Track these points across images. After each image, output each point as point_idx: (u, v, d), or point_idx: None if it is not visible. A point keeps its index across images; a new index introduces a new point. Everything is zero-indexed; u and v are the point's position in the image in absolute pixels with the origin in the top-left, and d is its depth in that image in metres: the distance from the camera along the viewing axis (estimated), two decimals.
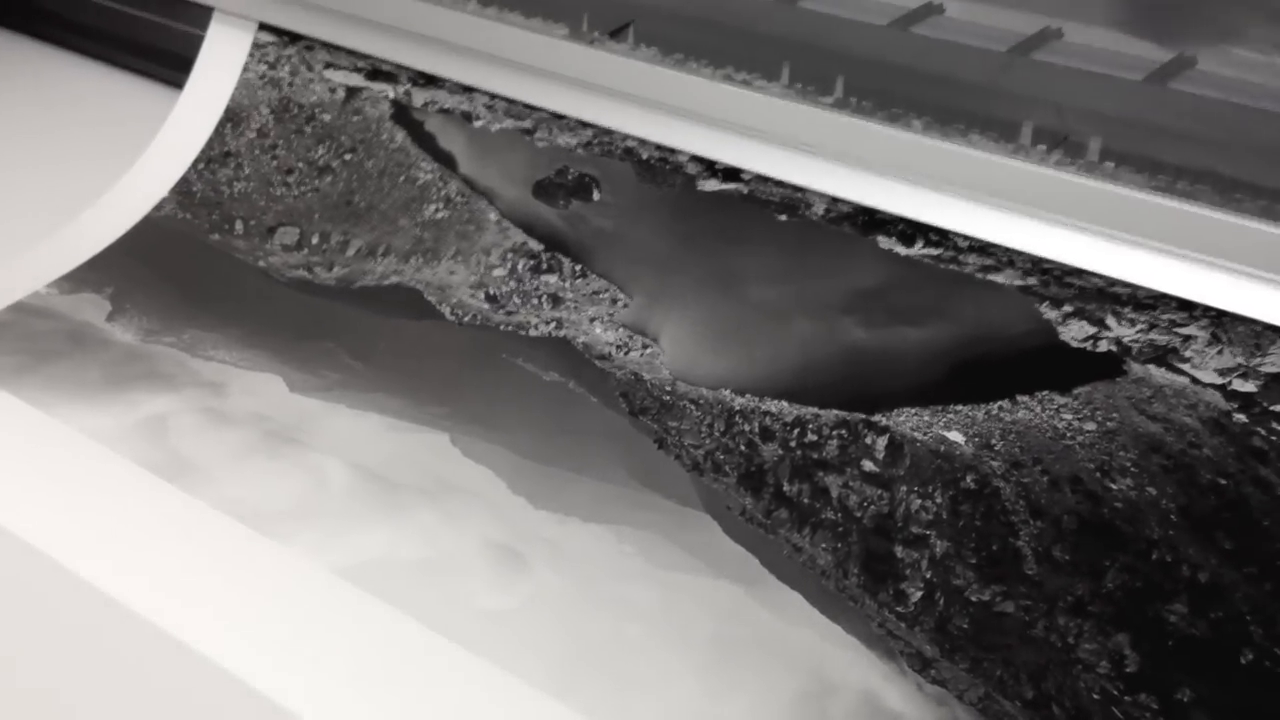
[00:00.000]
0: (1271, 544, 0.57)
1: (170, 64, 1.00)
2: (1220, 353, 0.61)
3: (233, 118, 0.94)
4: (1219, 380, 0.60)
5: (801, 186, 0.72)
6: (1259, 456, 0.59)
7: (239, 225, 0.89)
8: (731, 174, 0.75)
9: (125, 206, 0.92)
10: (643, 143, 0.78)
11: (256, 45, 0.95)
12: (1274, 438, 0.59)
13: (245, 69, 0.95)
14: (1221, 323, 0.61)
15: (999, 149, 0.64)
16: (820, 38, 0.73)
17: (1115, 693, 0.55)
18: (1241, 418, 0.59)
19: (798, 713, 0.56)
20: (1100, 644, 0.56)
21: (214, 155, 0.93)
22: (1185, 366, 0.61)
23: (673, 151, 0.77)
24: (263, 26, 0.95)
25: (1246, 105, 0.64)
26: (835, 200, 0.71)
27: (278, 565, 0.65)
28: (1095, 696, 0.55)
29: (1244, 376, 0.60)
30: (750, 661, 0.58)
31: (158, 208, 0.91)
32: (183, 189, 0.92)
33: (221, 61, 0.96)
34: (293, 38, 0.94)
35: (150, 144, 0.95)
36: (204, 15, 0.97)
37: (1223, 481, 0.59)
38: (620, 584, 0.62)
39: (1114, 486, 0.60)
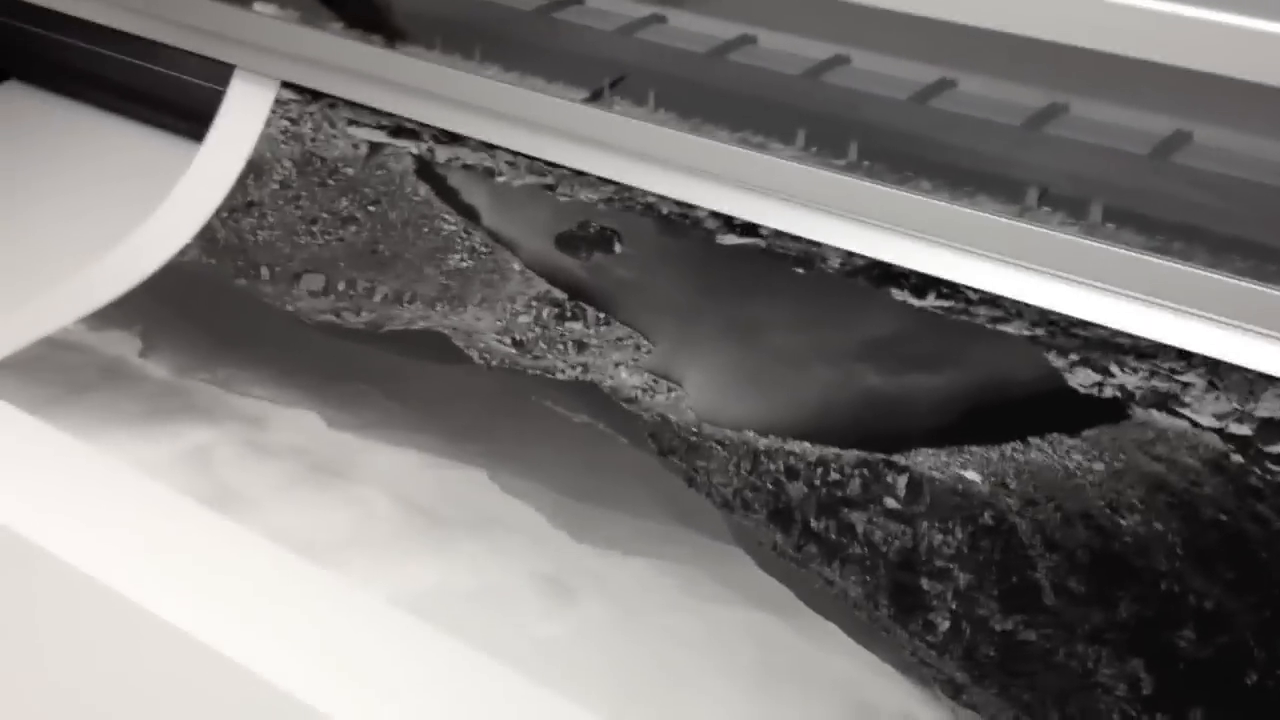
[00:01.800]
0: (1270, 575, 0.62)
1: (193, 119, 1.02)
2: (1217, 398, 0.66)
3: (255, 170, 0.97)
4: (1216, 424, 0.66)
5: (818, 242, 0.77)
6: (1255, 494, 0.64)
7: (264, 271, 0.92)
8: (749, 229, 0.80)
9: (150, 250, 0.95)
10: (663, 199, 0.83)
11: (279, 101, 0.98)
12: (1268, 477, 0.64)
13: (268, 124, 0.98)
14: (1217, 371, 0.66)
15: (1006, 211, 0.69)
16: (840, 110, 0.78)
17: (1133, 714, 0.59)
18: (1238, 458, 0.65)
19: None
20: (1118, 668, 0.61)
21: (237, 205, 0.96)
22: (1185, 411, 0.67)
23: (692, 207, 0.82)
24: (285, 84, 0.98)
25: (1237, 177, 0.70)
26: (850, 255, 0.76)
27: (334, 594, 0.68)
28: (1116, 717, 0.59)
29: (1239, 420, 0.65)
30: (793, 688, 0.62)
31: (182, 253, 0.94)
32: (207, 235, 0.95)
33: (243, 116, 0.99)
34: (315, 95, 0.97)
35: (172, 192, 0.98)
36: (226, 72, 1.00)
37: (1223, 517, 0.64)
38: (664, 614, 0.66)
39: (1123, 522, 0.65)
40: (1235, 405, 0.66)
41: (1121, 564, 0.64)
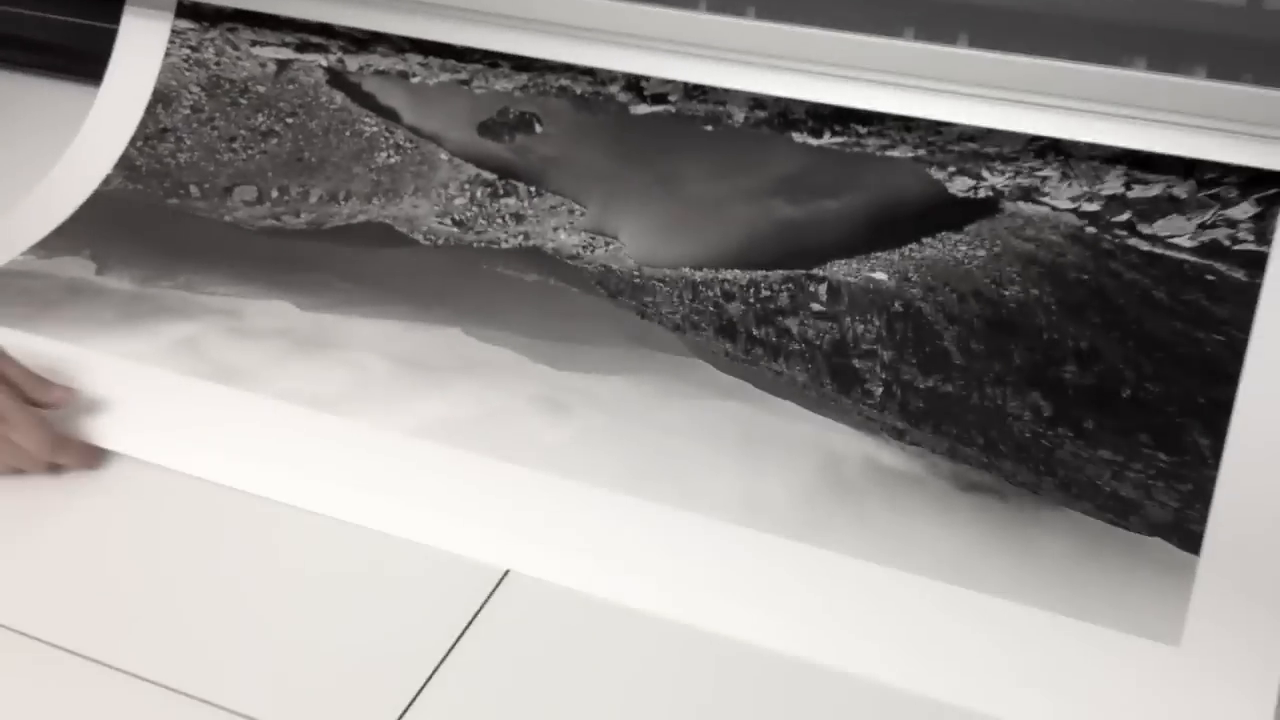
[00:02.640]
0: (1127, 315, 0.77)
1: (87, 61, 1.05)
2: (1070, 185, 0.81)
3: (162, 99, 1.02)
4: (1071, 205, 0.81)
5: (723, 101, 0.88)
6: (1109, 255, 0.79)
7: (194, 189, 0.97)
8: (659, 98, 0.91)
9: (73, 183, 0.99)
10: (575, 79, 0.93)
11: (175, 32, 1.03)
12: (1116, 240, 0.79)
13: (167, 54, 1.03)
14: (1068, 163, 0.81)
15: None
16: None
17: (1040, 431, 0.74)
18: (1092, 229, 0.80)
19: (822, 477, 0.72)
20: (1021, 401, 0.75)
21: (150, 132, 1.01)
22: (1045, 199, 0.81)
23: (604, 84, 0.92)
24: (180, 13, 1.03)
25: None
26: (753, 108, 0.88)
27: (356, 434, 0.76)
28: (1027, 435, 0.74)
29: (1089, 200, 0.81)
30: (772, 450, 0.74)
31: (106, 182, 0.99)
32: (126, 164, 0.99)
33: (140, 51, 1.04)
34: (213, 20, 1.03)
35: (81, 129, 1.02)
36: (115, 9, 1.04)
37: (1085, 277, 0.79)
38: (650, 413, 0.77)
39: (1006, 293, 0.80)
40: (1085, 189, 0.81)
41: (1010, 325, 0.78)
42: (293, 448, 0.76)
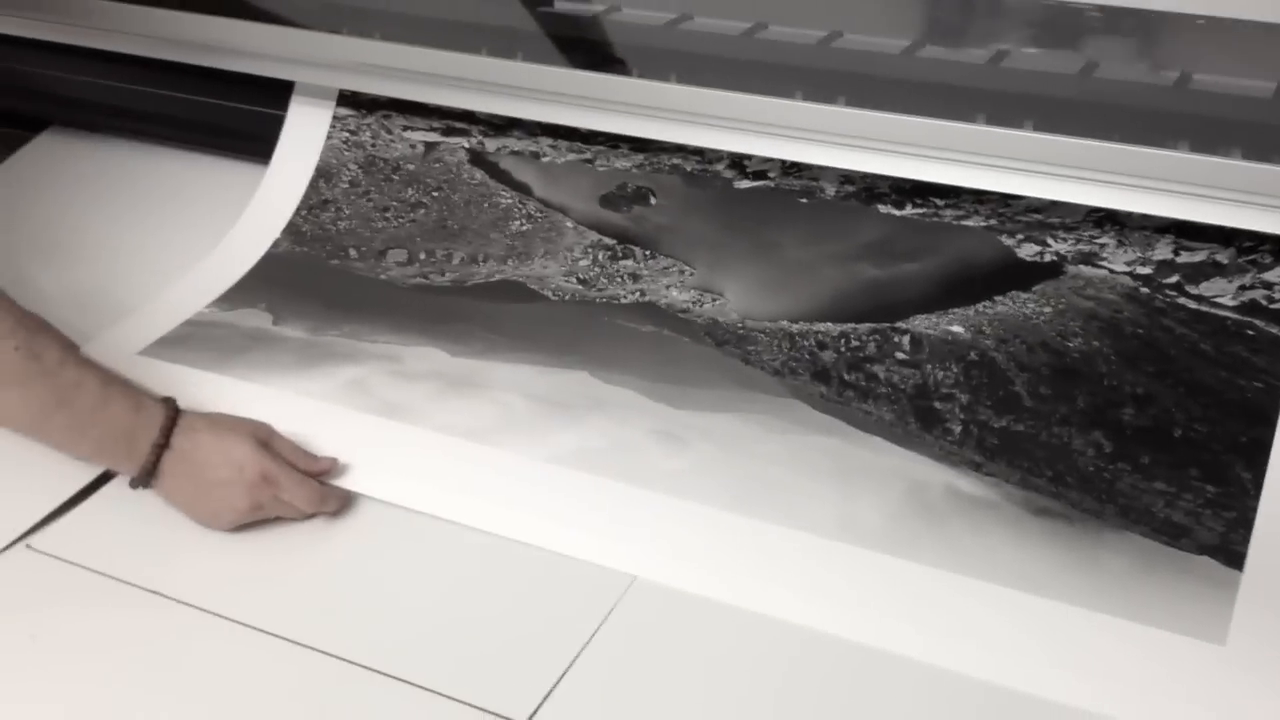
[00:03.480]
0: (1177, 363, 0.88)
1: (254, 141, 1.20)
2: (1125, 251, 0.92)
3: (324, 174, 1.17)
4: (1126, 269, 0.92)
5: (816, 177, 1.01)
6: (1160, 312, 0.90)
7: (352, 251, 1.12)
8: (760, 174, 1.04)
9: (246, 247, 1.14)
10: (685, 158, 1.06)
11: (336, 118, 1.18)
12: (1167, 299, 0.90)
13: (328, 137, 1.18)
14: (1123, 232, 0.92)
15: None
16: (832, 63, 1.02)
17: (1102, 465, 0.84)
18: (1145, 290, 0.91)
19: (908, 501, 0.84)
20: (1085, 438, 0.86)
21: (314, 203, 1.16)
22: (1103, 263, 0.93)
23: (711, 162, 1.05)
24: (341, 100, 1.18)
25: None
26: (843, 182, 1.01)
27: (502, 461, 0.89)
28: (1090, 469, 0.84)
29: (1142, 264, 0.92)
30: (864, 479, 0.86)
31: (275, 245, 1.13)
32: (292, 230, 1.14)
33: (305, 133, 1.19)
34: (369, 108, 1.18)
35: (252, 199, 1.17)
36: (283, 95, 1.19)
37: (1140, 331, 0.90)
38: (756, 446, 0.89)
39: (1070, 344, 0.91)
40: (1138, 254, 0.92)
41: (1074, 373, 0.89)
42: (452, 472, 0.89)
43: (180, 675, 0.77)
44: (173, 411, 0.86)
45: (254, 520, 0.86)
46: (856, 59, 1.03)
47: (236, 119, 1.22)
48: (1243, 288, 0.89)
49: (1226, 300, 0.89)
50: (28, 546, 0.86)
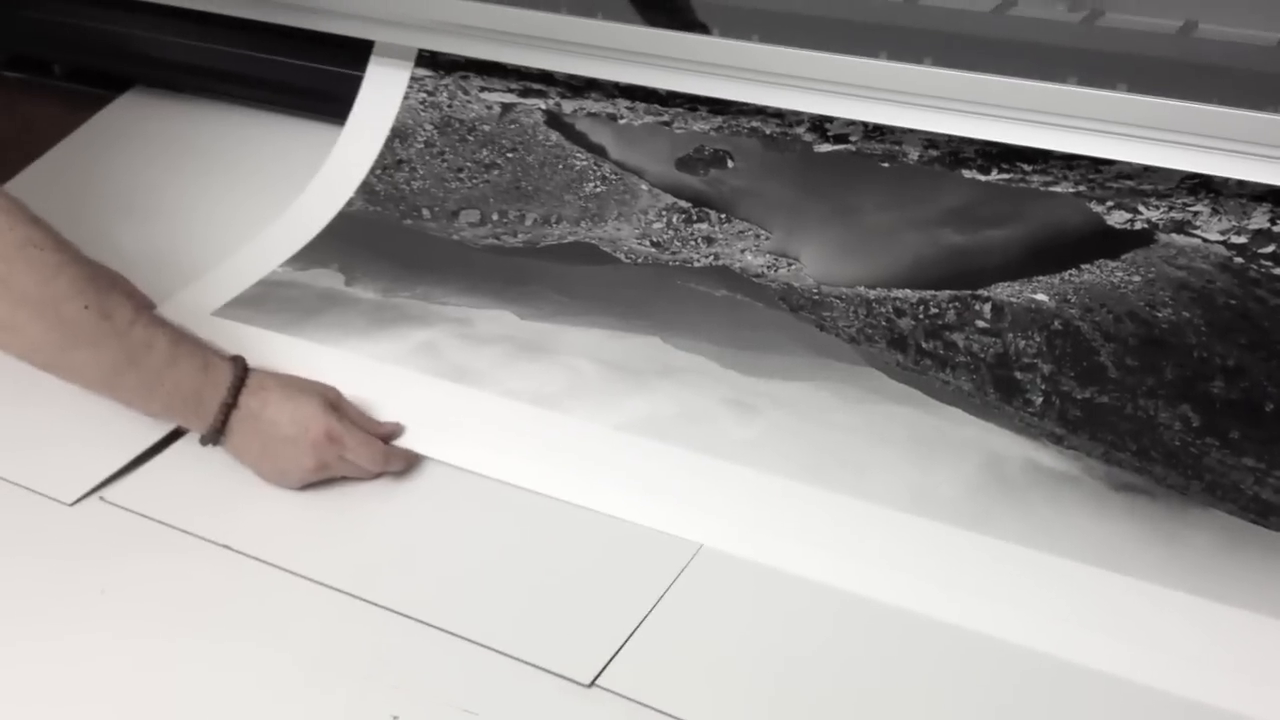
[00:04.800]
0: (1272, 336, 0.84)
1: (332, 101, 1.20)
2: (1219, 220, 0.88)
3: (399, 135, 1.16)
4: (1220, 238, 0.88)
5: (899, 141, 0.98)
6: (1254, 283, 0.86)
7: (425, 212, 1.11)
8: (841, 138, 1.01)
9: (321, 205, 1.14)
10: (765, 121, 1.04)
11: (414, 78, 1.18)
12: (1262, 270, 0.86)
13: (405, 97, 1.17)
14: (1218, 200, 0.89)
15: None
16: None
17: (1189, 439, 0.81)
18: (1239, 260, 0.87)
19: (985, 474, 0.81)
20: (1172, 412, 0.83)
21: (388, 163, 1.15)
22: (1197, 232, 0.89)
23: (791, 125, 1.03)
24: (419, 62, 1.17)
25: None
26: (926, 147, 0.98)
27: (570, 427, 0.88)
28: (1176, 443, 0.81)
29: (1238, 234, 0.88)
30: (939, 450, 0.83)
31: (349, 204, 1.13)
32: (366, 189, 1.14)
33: (382, 94, 1.18)
34: (448, 69, 1.17)
35: (328, 159, 1.17)
36: (364, 56, 1.19)
37: (1233, 302, 0.86)
38: (829, 414, 0.87)
39: (1159, 315, 0.87)
40: (1234, 223, 0.88)
41: (1162, 344, 0.86)
42: (519, 438, 0.88)
43: (248, 630, 0.77)
44: (241, 371, 0.86)
45: (321, 479, 0.86)
46: (944, 17, 1.00)
47: (316, 79, 1.23)
48: None
49: None
50: (101, 499, 0.87)
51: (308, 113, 1.24)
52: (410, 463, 0.88)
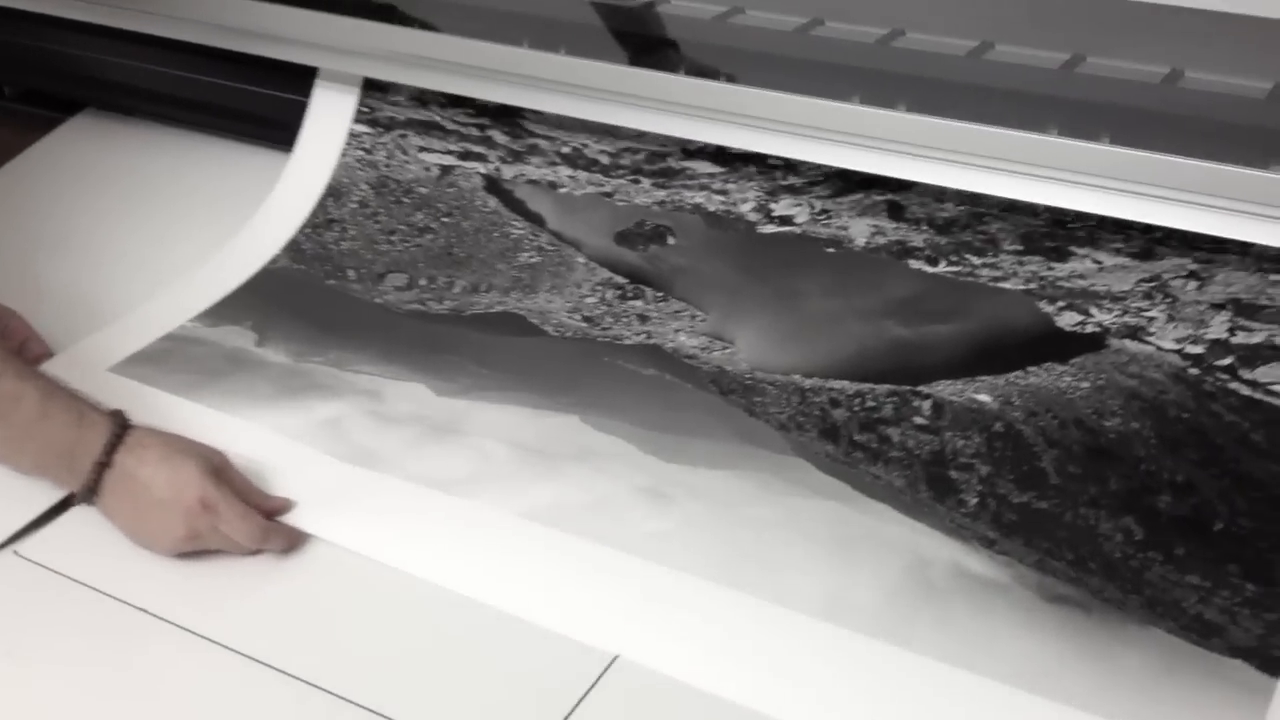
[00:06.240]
0: (1225, 453, 0.79)
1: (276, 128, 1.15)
2: (1175, 327, 0.84)
3: (334, 193, 1.12)
4: (1175, 346, 0.83)
5: (845, 226, 0.94)
6: (1209, 396, 0.81)
7: (351, 273, 1.06)
8: (786, 220, 0.97)
9: (244, 259, 1.09)
10: (709, 198, 0.99)
11: (353, 135, 1.13)
12: (1218, 382, 0.81)
13: (343, 154, 1.13)
14: (1175, 305, 0.84)
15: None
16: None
17: (1130, 552, 0.75)
18: (1194, 371, 0.82)
19: (909, 578, 0.75)
20: (1114, 523, 0.77)
21: (319, 222, 1.10)
22: (1151, 339, 0.84)
23: (735, 204, 0.98)
24: (359, 118, 1.13)
25: None
26: (874, 234, 0.93)
27: (474, 514, 0.82)
28: (1117, 555, 0.75)
29: (1194, 343, 0.83)
30: (863, 550, 0.77)
31: (273, 261, 1.08)
32: (293, 248, 1.09)
33: (321, 144, 1.14)
34: (387, 127, 1.12)
35: (257, 212, 1.12)
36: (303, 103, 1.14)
37: (1185, 415, 0.81)
38: (749, 508, 0.81)
39: (1107, 424, 0.82)
40: (1190, 331, 0.83)
41: (1108, 453, 0.81)
42: (420, 524, 0.82)
43: (156, 695, 0.72)
44: (119, 427, 0.80)
45: (195, 549, 0.79)
46: (919, 61, 0.95)
47: (264, 105, 1.17)
48: None
49: None
50: (15, 553, 0.81)
51: (259, 140, 1.19)
52: (292, 542, 0.81)
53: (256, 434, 0.89)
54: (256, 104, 1.17)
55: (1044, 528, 0.77)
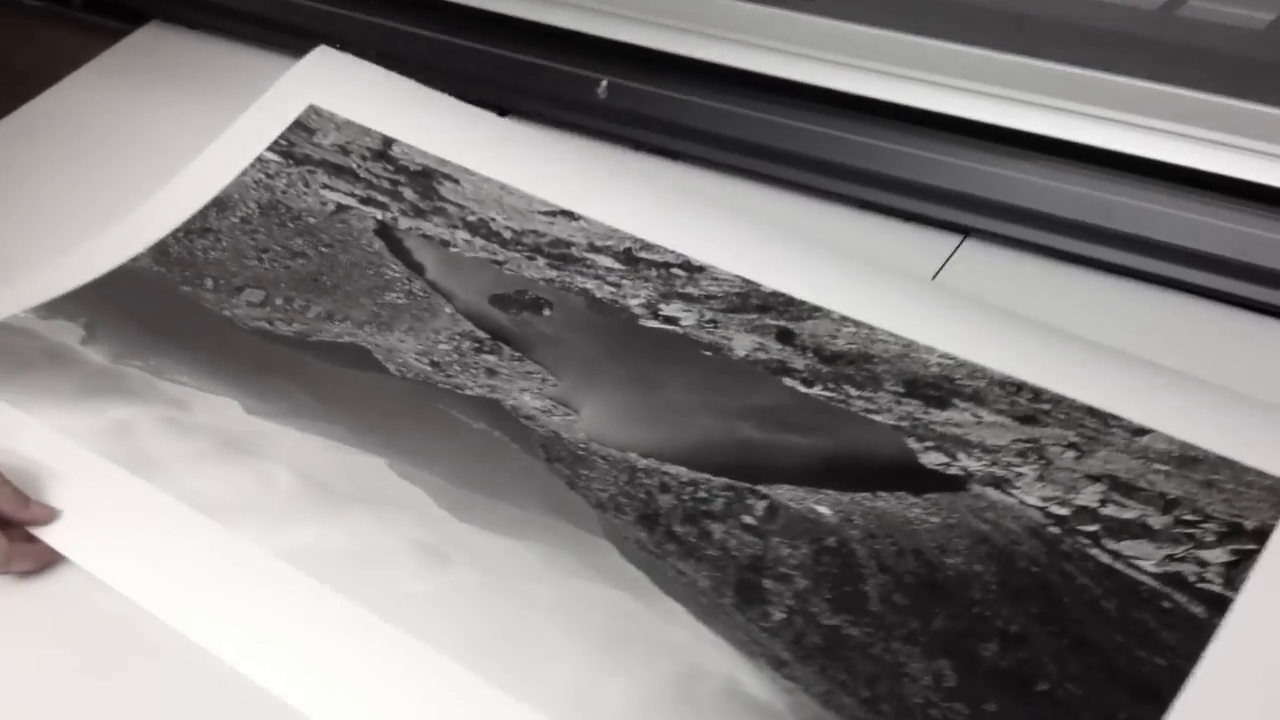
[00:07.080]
0: (1068, 615, 0.69)
1: None
2: (1044, 487, 0.75)
3: (219, 205, 1.05)
4: (1040, 504, 0.74)
5: (729, 337, 0.86)
6: (1065, 556, 0.72)
7: (209, 282, 0.99)
8: (671, 320, 0.90)
9: (103, 254, 1.02)
10: (600, 285, 0.92)
11: (260, 160, 1.08)
12: (1078, 545, 0.72)
13: (242, 174, 1.07)
14: (1048, 468, 0.76)
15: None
16: None
17: (934, 700, 0.65)
18: (1055, 530, 0.73)
19: (672, 689, 0.65)
20: (925, 664, 0.67)
21: (194, 229, 1.04)
22: (1015, 492, 0.75)
23: (625, 296, 0.91)
24: (273, 148, 1.08)
25: None
26: (756, 350, 0.86)
27: (229, 545, 0.74)
28: (917, 701, 0.65)
29: (1060, 505, 0.74)
30: (633, 649, 0.68)
31: (134, 260, 1.01)
32: (159, 249, 1.02)
33: (225, 159, 1.08)
34: (299, 162, 1.07)
35: (131, 214, 1.06)
36: None
37: (1035, 569, 0.72)
38: (526, 583, 0.72)
39: (948, 560, 0.73)
40: (1059, 493, 0.75)
41: (941, 590, 0.71)
42: (171, 551, 0.74)
43: None
44: None
45: None
46: None
47: None
48: (1171, 557, 0.71)
49: (1148, 565, 0.71)
50: None
51: None
52: (42, 564, 0.74)
53: (34, 432, 0.82)
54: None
55: (846, 657, 0.68)
